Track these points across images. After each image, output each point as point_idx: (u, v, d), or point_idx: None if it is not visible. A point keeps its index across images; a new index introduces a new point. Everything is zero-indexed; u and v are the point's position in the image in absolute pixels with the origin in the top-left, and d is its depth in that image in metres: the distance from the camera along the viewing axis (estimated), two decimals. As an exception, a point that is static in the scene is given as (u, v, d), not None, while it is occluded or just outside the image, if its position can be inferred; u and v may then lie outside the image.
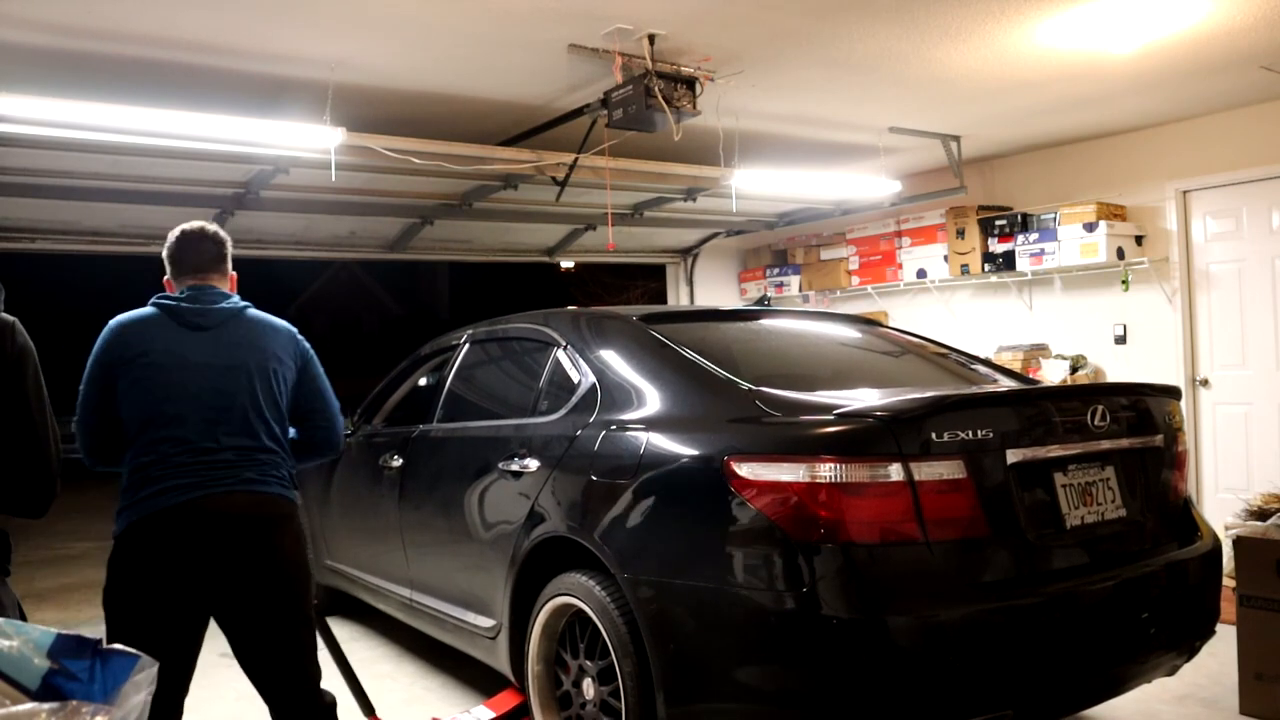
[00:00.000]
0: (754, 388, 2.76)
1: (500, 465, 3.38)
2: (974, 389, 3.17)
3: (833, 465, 2.35)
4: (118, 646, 1.24)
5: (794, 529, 2.35)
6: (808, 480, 2.36)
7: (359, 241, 7.26)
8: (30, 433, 1.82)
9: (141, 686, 1.22)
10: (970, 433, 2.48)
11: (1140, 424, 2.93)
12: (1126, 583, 2.69)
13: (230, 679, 4.27)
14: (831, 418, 2.45)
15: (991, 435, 2.52)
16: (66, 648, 1.21)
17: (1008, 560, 2.50)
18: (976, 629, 2.38)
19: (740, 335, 3.62)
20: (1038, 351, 6.65)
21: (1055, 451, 2.66)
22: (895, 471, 2.36)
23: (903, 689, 2.29)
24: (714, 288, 8.86)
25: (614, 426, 2.96)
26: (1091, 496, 2.73)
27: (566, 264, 10.06)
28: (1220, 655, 3.81)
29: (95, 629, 1.49)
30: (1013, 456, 2.54)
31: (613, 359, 3.22)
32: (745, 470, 2.47)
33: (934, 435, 2.42)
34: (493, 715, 3.47)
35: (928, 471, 2.39)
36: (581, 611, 2.92)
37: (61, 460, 1.91)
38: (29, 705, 1.10)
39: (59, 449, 1.89)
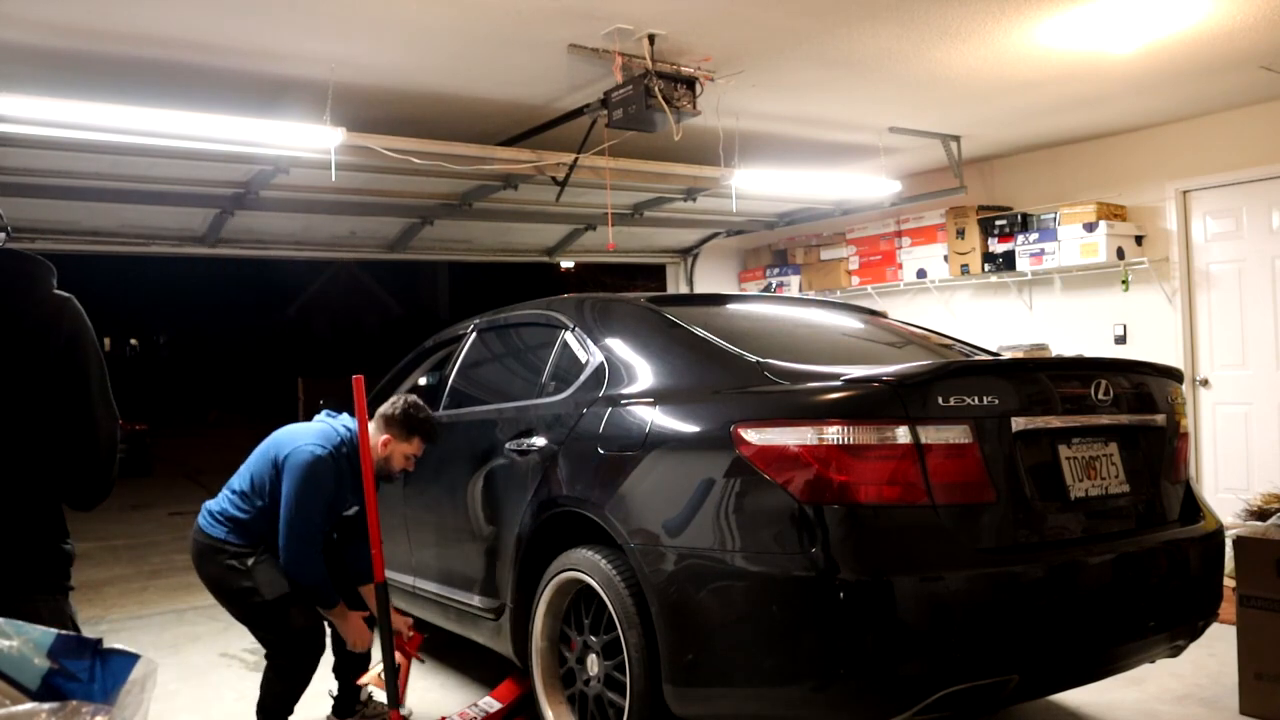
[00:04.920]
0: (762, 360, 2.76)
1: (508, 446, 3.38)
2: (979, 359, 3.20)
3: (840, 428, 2.36)
4: (118, 646, 1.24)
5: (801, 492, 2.37)
6: (815, 444, 2.37)
7: (359, 241, 7.26)
8: (84, 424, 1.70)
9: (141, 686, 1.22)
10: (976, 399, 2.50)
11: (1142, 402, 2.94)
12: (1130, 556, 2.70)
13: (230, 679, 4.28)
14: (839, 383, 2.47)
15: (997, 402, 2.54)
16: (66, 648, 1.21)
17: (1014, 527, 2.52)
18: (983, 593, 2.38)
19: (746, 318, 3.62)
20: (1038, 351, 6.64)
21: (1059, 422, 2.67)
22: (902, 434, 2.37)
23: (908, 650, 2.31)
24: (714, 288, 8.86)
25: (622, 401, 2.96)
26: (1095, 470, 2.73)
27: (566, 264, 10.06)
28: (1220, 655, 3.82)
29: (95, 629, 1.49)
30: (1018, 424, 2.56)
31: (621, 337, 3.23)
32: (753, 436, 2.48)
33: (940, 400, 2.44)
34: (500, 705, 3.48)
35: (934, 435, 2.40)
36: (587, 587, 2.92)
37: (118, 454, 1.77)
38: (29, 705, 1.10)
39: (115, 441, 1.75)
